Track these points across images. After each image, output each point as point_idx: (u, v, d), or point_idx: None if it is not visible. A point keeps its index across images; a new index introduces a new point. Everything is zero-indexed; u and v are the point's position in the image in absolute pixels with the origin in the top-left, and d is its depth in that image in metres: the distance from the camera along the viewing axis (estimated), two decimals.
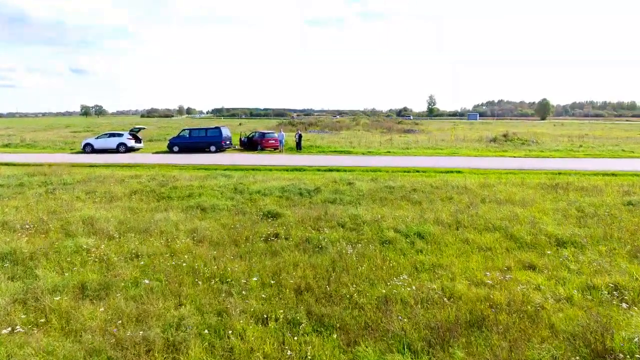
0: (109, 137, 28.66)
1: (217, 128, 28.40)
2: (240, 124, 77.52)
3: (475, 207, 11.63)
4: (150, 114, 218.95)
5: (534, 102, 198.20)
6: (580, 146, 29.83)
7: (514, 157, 24.88)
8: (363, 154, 26.73)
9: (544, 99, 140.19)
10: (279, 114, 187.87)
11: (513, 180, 16.11)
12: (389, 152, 27.24)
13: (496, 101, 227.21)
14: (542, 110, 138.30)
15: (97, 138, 28.89)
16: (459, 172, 19.15)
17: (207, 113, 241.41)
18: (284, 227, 9.75)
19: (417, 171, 19.26)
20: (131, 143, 28.38)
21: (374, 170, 19.70)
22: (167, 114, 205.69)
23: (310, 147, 29.71)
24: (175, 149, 28.18)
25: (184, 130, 28.96)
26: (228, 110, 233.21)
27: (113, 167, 20.88)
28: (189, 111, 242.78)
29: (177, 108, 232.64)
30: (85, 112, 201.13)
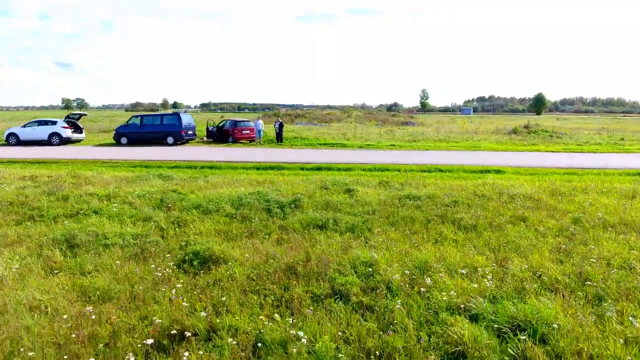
0: (38, 125, 22.62)
1: (176, 114, 22.45)
2: (222, 117, 71.23)
3: (585, 243, 6.25)
4: (134, 107, 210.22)
5: (524, 98, 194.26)
6: (622, 139, 24.70)
7: (553, 151, 19.59)
8: (360, 147, 21.18)
9: (540, 94, 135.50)
10: (267, 109, 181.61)
11: (591, 185, 10.74)
12: (393, 145, 21.73)
13: (487, 97, 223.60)
14: (538, 104, 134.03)
15: (25, 127, 22.86)
16: (498, 171, 13.76)
17: (195, 108, 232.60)
18: (218, 292, 4.29)
19: (440, 170, 13.81)
20: (67, 133, 22.38)
21: (380, 168, 14.20)
22: (152, 108, 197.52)
23: (294, 139, 24.05)
24: (124, 140, 22.26)
25: (135, 117, 22.92)
26: (215, 105, 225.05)
27: (11, 164, 15.05)
28: (175, 105, 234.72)
29: (162, 102, 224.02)
30: (67, 105, 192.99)
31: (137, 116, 22.83)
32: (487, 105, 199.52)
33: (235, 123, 23.98)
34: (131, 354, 3.40)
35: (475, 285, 4.48)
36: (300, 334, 3.63)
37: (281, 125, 23.47)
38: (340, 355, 3.52)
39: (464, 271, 4.81)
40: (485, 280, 4.62)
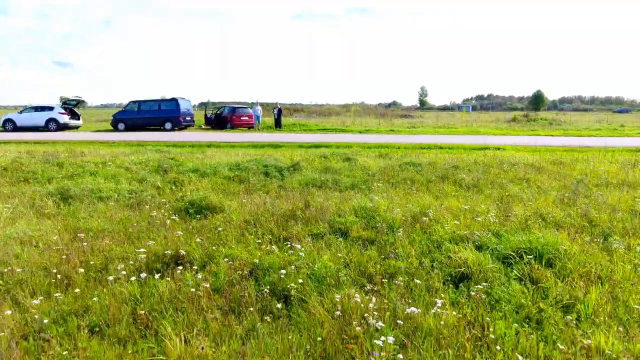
0: (35, 111, 22.43)
1: (174, 100, 22.24)
2: None
3: (589, 196, 6.13)
4: None
5: (523, 97, 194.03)
6: (622, 125, 24.65)
7: (553, 135, 19.48)
8: (360, 132, 21.06)
9: (538, 91, 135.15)
10: None
11: (592, 157, 10.64)
12: (392, 130, 21.63)
13: (485, 95, 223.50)
14: (536, 102, 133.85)
15: (21, 112, 22.68)
16: (498, 148, 13.62)
17: (194, 107, 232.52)
18: (213, 233, 4.16)
19: (441, 147, 13.69)
20: (64, 119, 22.18)
21: (380, 146, 14.08)
22: None
23: (293, 126, 23.93)
24: (121, 126, 22.08)
25: (132, 102, 22.74)
26: (214, 103, 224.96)
27: (7, 144, 14.92)
28: None
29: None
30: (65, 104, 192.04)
31: (135, 102, 22.62)
32: (486, 104, 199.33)
33: (233, 109, 23.81)
34: (122, 265, 3.28)
35: (480, 219, 4.37)
36: (298, 246, 3.51)
37: (280, 112, 23.35)
38: (340, 274, 3.41)
39: (466, 207, 4.69)
40: (489, 216, 4.51)
